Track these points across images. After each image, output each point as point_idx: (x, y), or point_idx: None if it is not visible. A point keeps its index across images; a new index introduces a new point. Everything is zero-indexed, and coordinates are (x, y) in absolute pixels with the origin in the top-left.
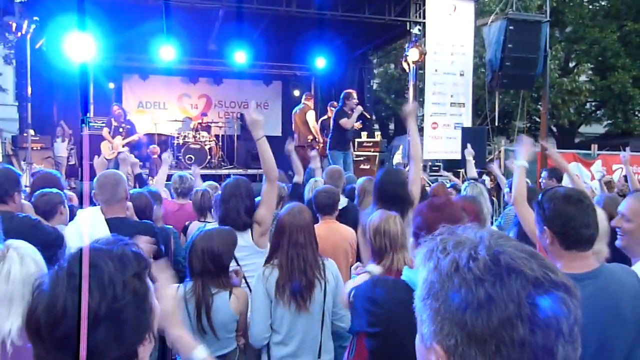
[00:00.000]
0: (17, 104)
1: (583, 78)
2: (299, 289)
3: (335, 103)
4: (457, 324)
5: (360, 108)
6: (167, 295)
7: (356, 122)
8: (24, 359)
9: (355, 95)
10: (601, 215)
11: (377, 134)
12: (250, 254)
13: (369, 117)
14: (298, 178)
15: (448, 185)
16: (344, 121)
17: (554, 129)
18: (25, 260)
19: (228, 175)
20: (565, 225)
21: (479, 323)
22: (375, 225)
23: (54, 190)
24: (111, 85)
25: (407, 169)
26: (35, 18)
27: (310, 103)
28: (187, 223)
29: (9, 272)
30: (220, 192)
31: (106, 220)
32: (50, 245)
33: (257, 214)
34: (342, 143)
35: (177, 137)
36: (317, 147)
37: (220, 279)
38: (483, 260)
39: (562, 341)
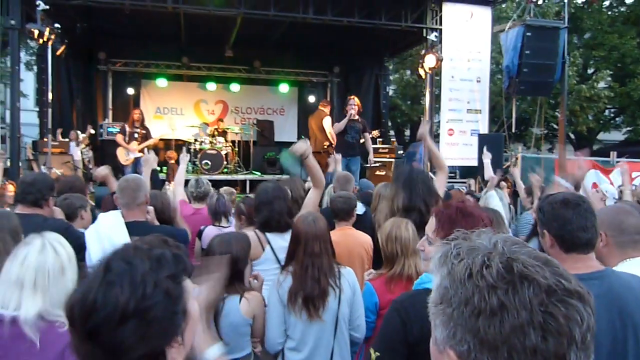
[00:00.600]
0: (37, 109)
1: (602, 85)
2: (312, 298)
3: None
4: (469, 331)
5: (352, 112)
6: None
7: (375, 129)
8: (31, 346)
9: (353, 100)
10: None
11: (393, 140)
12: None
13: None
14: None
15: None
16: (335, 125)
17: (572, 135)
18: (45, 249)
19: (244, 181)
20: (562, 228)
21: (492, 330)
22: (387, 232)
23: (77, 194)
24: (130, 91)
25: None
26: (56, 25)
27: (327, 109)
28: (202, 227)
29: (25, 257)
30: (255, 195)
31: (126, 224)
32: (79, 249)
33: None
34: (343, 148)
35: (194, 143)
36: (333, 153)
37: (234, 284)
38: (496, 268)
39: (575, 349)
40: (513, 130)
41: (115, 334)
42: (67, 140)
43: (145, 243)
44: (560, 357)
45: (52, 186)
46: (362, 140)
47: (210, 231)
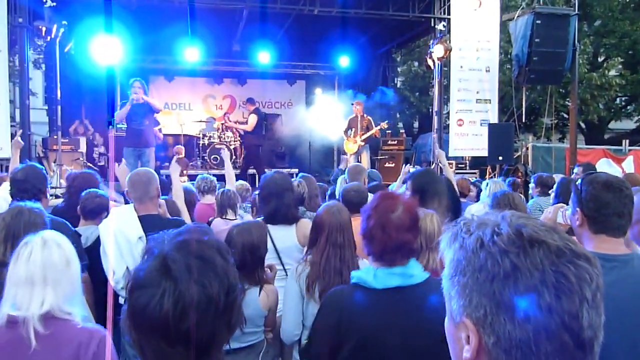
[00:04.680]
0: (46, 107)
1: (613, 72)
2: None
3: (359, 101)
4: (485, 294)
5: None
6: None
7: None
8: (46, 346)
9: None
10: None
11: (402, 132)
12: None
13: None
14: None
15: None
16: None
17: (582, 125)
18: (47, 244)
19: (253, 175)
20: (597, 210)
21: (507, 291)
22: None
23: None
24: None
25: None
26: (63, 22)
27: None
28: (210, 219)
29: (30, 254)
30: (263, 185)
31: (138, 217)
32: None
33: None
34: (130, 137)
35: (202, 138)
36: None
37: (256, 273)
38: (507, 235)
39: (587, 306)
40: (523, 120)
41: (208, 329)
42: (77, 138)
43: (193, 234)
44: (573, 315)
45: (44, 177)
46: None
47: (218, 224)
